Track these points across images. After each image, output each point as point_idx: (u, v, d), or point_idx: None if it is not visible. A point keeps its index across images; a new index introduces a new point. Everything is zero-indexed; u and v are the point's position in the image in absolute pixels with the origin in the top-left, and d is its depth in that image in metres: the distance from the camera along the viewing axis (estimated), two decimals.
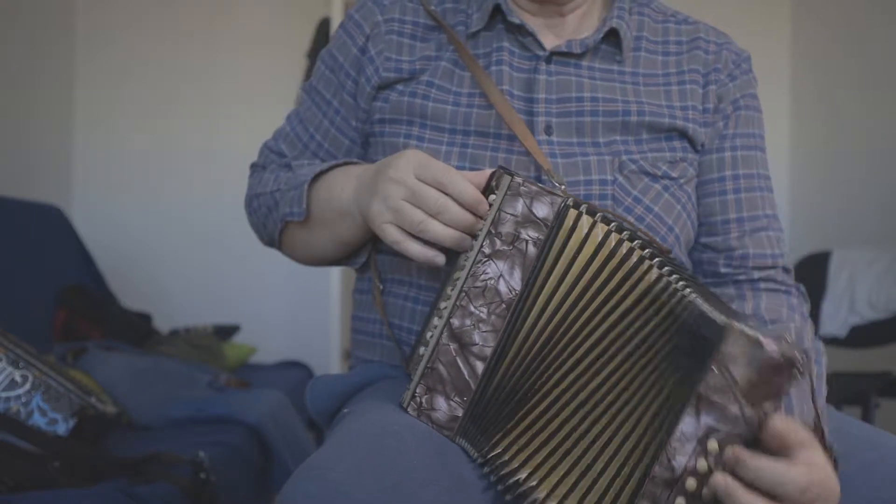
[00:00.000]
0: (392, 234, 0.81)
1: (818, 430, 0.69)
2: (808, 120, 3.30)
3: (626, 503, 0.67)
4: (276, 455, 1.85)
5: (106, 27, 3.13)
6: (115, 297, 2.62)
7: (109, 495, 1.18)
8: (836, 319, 2.65)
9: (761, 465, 0.61)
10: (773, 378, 0.62)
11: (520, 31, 0.96)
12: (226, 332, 2.72)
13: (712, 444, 0.63)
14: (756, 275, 0.96)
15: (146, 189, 3.14)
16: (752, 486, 0.62)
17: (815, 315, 2.68)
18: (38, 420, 1.41)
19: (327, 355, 2.93)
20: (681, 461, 0.64)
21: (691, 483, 0.64)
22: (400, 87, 0.96)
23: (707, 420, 0.63)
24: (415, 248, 0.80)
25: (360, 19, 1.01)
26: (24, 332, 1.71)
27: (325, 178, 0.95)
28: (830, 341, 2.68)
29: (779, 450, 0.63)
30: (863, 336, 2.63)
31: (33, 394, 1.42)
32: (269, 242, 1.08)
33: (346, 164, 0.96)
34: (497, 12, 0.96)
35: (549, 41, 0.97)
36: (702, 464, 0.64)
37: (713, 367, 0.63)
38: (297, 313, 3.14)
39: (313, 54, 2.92)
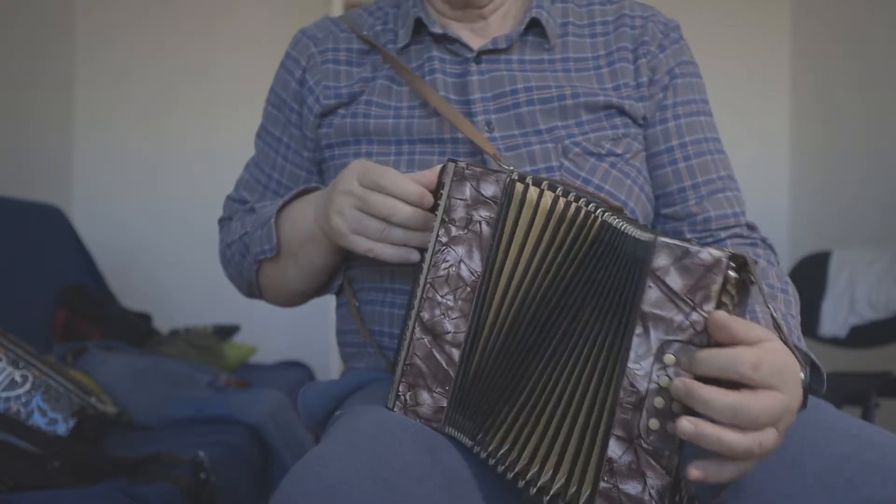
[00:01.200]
0: (362, 244, 0.83)
1: (778, 334, 0.68)
2: (808, 120, 3.30)
3: (602, 435, 0.67)
4: (276, 455, 1.85)
5: (106, 27, 3.13)
6: (115, 297, 2.62)
7: (109, 495, 1.18)
8: (836, 319, 2.65)
9: (711, 353, 0.61)
10: (707, 278, 0.63)
11: (445, 39, 0.98)
12: (226, 332, 2.72)
13: (669, 358, 0.64)
14: (722, 234, 0.97)
15: (146, 189, 3.14)
16: (709, 380, 0.61)
17: (815, 315, 2.68)
18: (38, 420, 1.41)
19: (327, 355, 2.93)
20: (643, 383, 0.65)
21: (659, 401, 0.64)
22: (341, 111, 0.99)
23: (657, 335, 0.64)
24: (388, 252, 0.83)
25: (297, 55, 1.04)
26: (24, 332, 1.71)
27: (287, 211, 0.97)
28: (830, 341, 2.68)
29: (729, 342, 0.62)
30: (863, 336, 2.62)
31: (33, 394, 1.42)
32: (248, 291, 1.10)
33: (304, 191, 0.98)
34: (420, 26, 0.99)
35: (476, 43, 0.99)
36: (664, 379, 0.64)
37: (650, 283, 0.64)
38: (297, 313, 3.12)
39: None
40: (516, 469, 0.72)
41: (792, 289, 0.91)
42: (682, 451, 0.64)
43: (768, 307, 0.68)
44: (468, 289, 0.75)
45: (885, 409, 2.30)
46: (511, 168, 0.79)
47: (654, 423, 0.64)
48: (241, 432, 1.78)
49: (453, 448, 0.76)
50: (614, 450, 0.66)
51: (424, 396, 0.77)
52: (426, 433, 0.75)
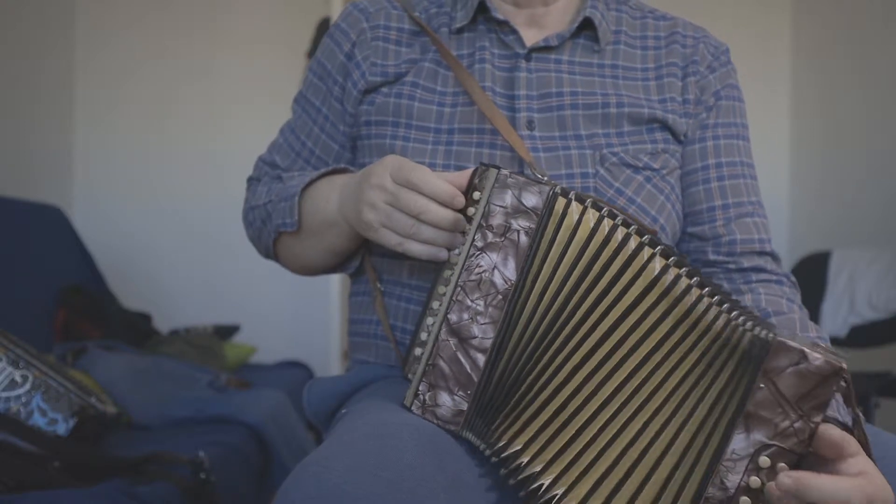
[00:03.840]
0: (391, 238, 0.83)
1: (861, 434, 0.68)
2: (808, 120, 3.30)
3: None
4: (276, 455, 1.85)
5: (106, 27, 3.13)
6: (115, 297, 2.62)
7: (109, 495, 1.18)
8: (836, 319, 2.65)
9: (828, 482, 0.61)
10: (821, 388, 0.62)
11: (502, 29, 0.98)
12: (226, 332, 2.72)
13: (763, 460, 0.63)
14: (745, 263, 0.97)
15: (146, 189, 3.14)
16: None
17: (815, 315, 2.68)
18: (38, 420, 1.41)
19: (327, 355, 2.93)
20: (733, 480, 0.64)
21: (745, 501, 0.64)
22: (385, 89, 0.98)
23: (757, 436, 0.64)
24: (417, 248, 0.82)
25: (347, 27, 1.03)
26: (24, 332, 1.71)
27: (311, 189, 0.97)
28: (830, 341, 2.67)
29: (834, 459, 0.63)
30: (863, 336, 2.63)
31: (33, 394, 1.42)
32: (265, 254, 1.10)
33: (332, 172, 0.98)
34: (480, 11, 0.99)
35: (530, 37, 0.99)
36: (754, 480, 0.64)
37: (761, 384, 0.63)
38: (297, 313, 3.14)
39: (313, 54, 2.92)
40: (531, 486, 0.72)
41: (824, 341, 0.91)
42: None
43: (855, 411, 0.68)
44: (499, 296, 0.75)
45: (885, 409, 2.30)
46: (547, 178, 0.79)
47: None
48: (241, 432, 1.78)
49: (458, 449, 0.76)
50: None
51: (445, 398, 0.77)
52: (430, 434, 0.74)
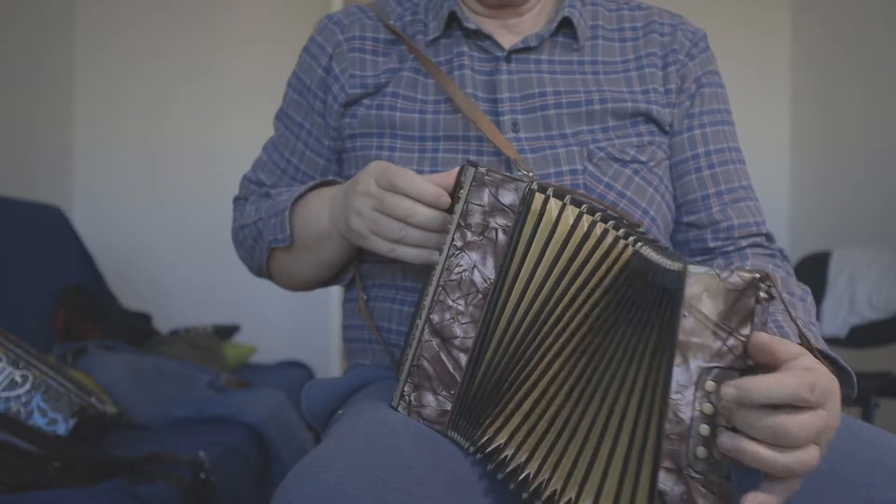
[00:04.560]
0: (382, 245, 0.83)
1: (805, 343, 0.68)
2: (808, 120, 3.30)
3: (650, 469, 0.66)
4: (275, 455, 1.85)
5: (106, 27, 3.13)
6: (115, 297, 2.62)
7: (109, 495, 1.18)
8: (836, 319, 2.66)
9: (767, 383, 0.60)
10: (740, 302, 0.63)
11: (477, 36, 0.98)
12: (226, 332, 2.72)
13: (710, 385, 0.64)
14: (744, 243, 0.98)
15: (146, 189, 3.14)
16: (764, 407, 0.61)
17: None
18: (38, 420, 1.41)
19: (327, 355, 2.93)
20: (686, 412, 0.64)
21: (704, 429, 0.64)
22: (366, 101, 0.98)
23: (697, 363, 0.64)
24: (409, 252, 0.82)
25: (322, 41, 1.04)
26: (24, 332, 1.71)
27: (301, 203, 0.97)
28: (830, 341, 2.68)
29: (770, 364, 0.63)
30: (863, 336, 2.63)
31: (33, 394, 1.42)
32: (258, 272, 1.10)
33: (321, 184, 0.98)
34: (453, 19, 0.99)
35: (507, 40, 0.99)
36: (707, 406, 0.64)
37: (684, 313, 0.64)
38: (297, 313, 3.14)
39: None
40: (533, 486, 0.71)
41: (810, 297, 0.92)
42: (731, 477, 0.64)
43: (792, 319, 0.68)
44: (479, 295, 0.75)
45: (885, 409, 2.30)
46: (531, 174, 0.79)
47: (701, 452, 0.64)
48: (241, 432, 1.78)
49: (456, 449, 0.76)
50: (665, 483, 0.65)
51: (429, 398, 0.77)
52: (428, 434, 0.74)
